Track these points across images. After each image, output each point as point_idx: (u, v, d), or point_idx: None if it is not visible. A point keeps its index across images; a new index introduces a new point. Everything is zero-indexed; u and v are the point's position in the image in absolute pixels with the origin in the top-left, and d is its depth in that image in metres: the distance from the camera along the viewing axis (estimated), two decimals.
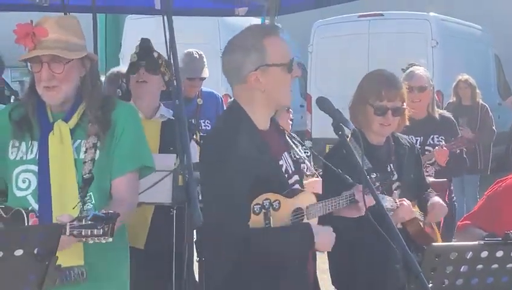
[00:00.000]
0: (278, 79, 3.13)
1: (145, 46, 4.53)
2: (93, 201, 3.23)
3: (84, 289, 3.18)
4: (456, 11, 15.26)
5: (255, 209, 3.02)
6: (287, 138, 3.42)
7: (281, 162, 3.22)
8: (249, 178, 3.02)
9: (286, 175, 3.22)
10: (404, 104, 4.02)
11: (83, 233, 2.84)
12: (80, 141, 3.25)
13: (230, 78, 3.24)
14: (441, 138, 5.62)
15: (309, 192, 3.33)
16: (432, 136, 5.56)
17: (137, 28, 13.15)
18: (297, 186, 3.29)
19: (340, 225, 3.51)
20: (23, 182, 3.24)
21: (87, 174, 3.20)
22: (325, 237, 3.18)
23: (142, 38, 4.63)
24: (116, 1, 6.52)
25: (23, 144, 3.27)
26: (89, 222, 2.84)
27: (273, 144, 3.21)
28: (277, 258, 3.10)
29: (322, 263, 3.81)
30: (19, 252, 2.53)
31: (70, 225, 2.87)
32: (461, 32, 13.86)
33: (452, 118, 6.00)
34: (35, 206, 3.18)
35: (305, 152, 4.54)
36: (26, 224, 3.05)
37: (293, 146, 3.39)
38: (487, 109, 9.80)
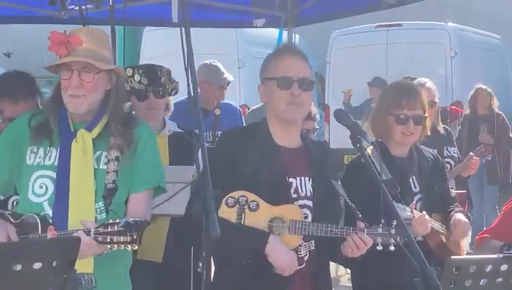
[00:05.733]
0: (271, 92, 3.35)
1: (151, 73, 4.50)
2: (103, 212, 3.24)
3: None
4: (475, 21, 15.20)
5: (229, 201, 3.14)
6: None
7: (291, 180, 3.29)
8: (232, 177, 3.19)
9: (295, 195, 3.27)
10: (426, 113, 4.00)
11: (108, 239, 2.92)
12: (100, 152, 3.28)
13: None
14: (454, 149, 5.63)
15: (298, 208, 3.26)
16: (445, 147, 5.55)
17: (155, 40, 13.27)
18: (304, 210, 3.29)
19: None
20: (40, 187, 3.25)
21: (111, 184, 3.24)
22: (280, 256, 3.17)
23: (147, 65, 4.63)
24: (134, 14, 6.53)
25: (41, 149, 3.29)
26: (116, 229, 2.91)
27: (289, 161, 3.32)
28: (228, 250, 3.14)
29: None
30: (37, 265, 2.53)
31: (95, 230, 2.95)
32: (480, 42, 13.82)
33: (449, 128, 6.09)
34: (50, 213, 3.20)
35: None
36: (39, 230, 3.10)
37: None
38: (503, 117, 9.79)
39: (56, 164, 3.25)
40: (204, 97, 6.18)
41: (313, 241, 3.33)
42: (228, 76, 6.41)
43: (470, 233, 7.97)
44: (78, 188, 3.21)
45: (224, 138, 3.57)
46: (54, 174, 3.25)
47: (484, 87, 9.85)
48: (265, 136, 3.36)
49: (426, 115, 4.01)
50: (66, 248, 2.64)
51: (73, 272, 2.61)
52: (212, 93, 6.25)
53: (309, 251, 3.34)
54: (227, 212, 3.15)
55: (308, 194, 3.34)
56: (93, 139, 3.28)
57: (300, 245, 3.28)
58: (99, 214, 3.22)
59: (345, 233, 3.22)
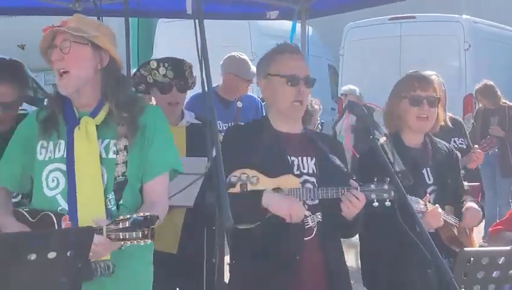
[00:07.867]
0: (275, 88, 3.53)
1: (178, 67, 4.49)
2: (115, 203, 3.17)
3: (108, 285, 3.14)
4: (488, 13, 15.11)
5: (232, 179, 3.30)
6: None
7: (292, 158, 3.49)
8: (239, 160, 3.34)
9: (298, 172, 3.46)
10: (438, 95, 4.02)
11: (121, 236, 2.87)
12: (108, 140, 3.20)
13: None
14: (461, 140, 5.59)
15: (295, 177, 3.41)
16: (452, 139, 5.52)
17: (169, 31, 13.27)
18: (308, 185, 3.44)
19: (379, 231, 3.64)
20: (53, 181, 3.19)
21: (120, 177, 3.16)
22: (280, 203, 3.30)
23: (173, 58, 4.62)
24: (148, 5, 6.55)
25: (51, 143, 3.22)
26: (126, 225, 2.85)
27: (289, 144, 3.52)
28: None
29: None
30: (52, 255, 2.56)
31: (107, 227, 2.89)
32: (494, 35, 13.72)
33: (459, 119, 6.02)
34: (65, 206, 3.14)
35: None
36: (56, 227, 3.04)
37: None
38: None
39: (65, 155, 3.19)
40: (228, 88, 6.18)
41: (319, 213, 3.48)
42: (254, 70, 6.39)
43: (483, 225, 7.98)
44: (84, 179, 3.12)
45: (228, 132, 3.81)
46: (63, 166, 3.18)
47: (483, 84, 9.71)
48: (267, 126, 3.58)
49: (439, 96, 4.02)
50: (80, 237, 2.66)
51: (87, 261, 2.63)
52: (237, 86, 6.25)
53: (317, 223, 3.48)
54: (231, 190, 3.29)
55: (311, 171, 3.50)
56: (99, 127, 3.19)
57: (307, 217, 3.44)
58: (111, 206, 3.14)
59: (340, 193, 3.36)
